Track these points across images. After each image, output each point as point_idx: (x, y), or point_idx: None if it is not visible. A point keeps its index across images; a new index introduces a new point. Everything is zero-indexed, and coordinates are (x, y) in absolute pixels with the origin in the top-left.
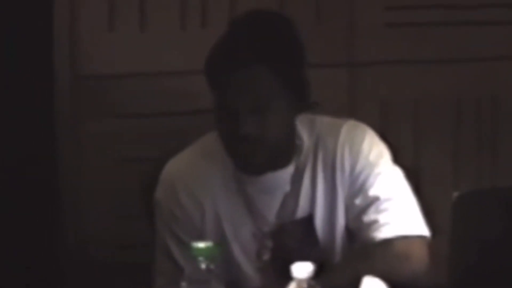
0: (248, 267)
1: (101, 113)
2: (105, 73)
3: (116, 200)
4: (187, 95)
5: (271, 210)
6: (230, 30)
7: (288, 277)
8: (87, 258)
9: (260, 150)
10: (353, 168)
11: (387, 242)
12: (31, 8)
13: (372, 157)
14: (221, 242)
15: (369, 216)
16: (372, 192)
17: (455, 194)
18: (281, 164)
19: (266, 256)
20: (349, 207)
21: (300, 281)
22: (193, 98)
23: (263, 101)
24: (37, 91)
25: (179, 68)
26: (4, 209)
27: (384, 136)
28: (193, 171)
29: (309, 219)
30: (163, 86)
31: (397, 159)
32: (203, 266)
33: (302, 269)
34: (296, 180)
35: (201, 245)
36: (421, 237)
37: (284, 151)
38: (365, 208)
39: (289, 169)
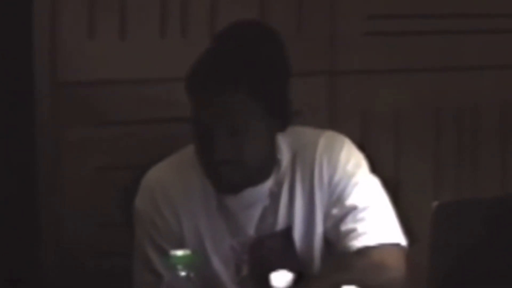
0: (227, 280)
1: (81, 120)
2: (85, 81)
3: (95, 208)
4: (167, 103)
5: (251, 223)
6: (211, 48)
7: None
8: (67, 266)
9: (236, 173)
10: (331, 178)
11: (364, 251)
12: (11, 15)
13: (349, 167)
14: (199, 251)
15: (346, 225)
16: (350, 201)
17: (435, 203)
18: (261, 179)
19: (245, 271)
20: (326, 217)
21: None
22: (173, 106)
23: (240, 125)
24: (17, 99)
25: (159, 76)
26: None
27: (363, 146)
28: (173, 183)
29: (288, 231)
30: (143, 94)
31: (377, 168)
32: (182, 274)
33: (280, 278)
34: (275, 193)
35: (179, 253)
36: (398, 246)
37: (263, 167)
38: (342, 218)
39: (268, 183)
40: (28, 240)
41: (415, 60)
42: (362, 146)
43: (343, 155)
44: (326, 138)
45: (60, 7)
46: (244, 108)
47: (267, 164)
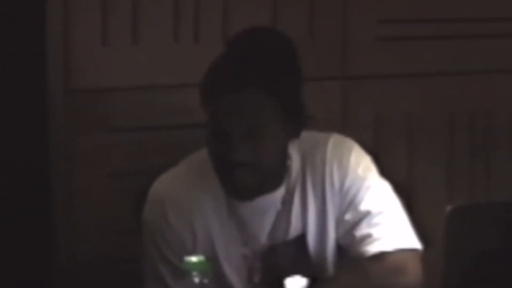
0: (239, 287)
1: (94, 127)
2: (98, 87)
3: (109, 214)
4: (180, 109)
5: (263, 231)
6: (226, 52)
7: None
8: (81, 272)
9: (252, 176)
10: (342, 183)
11: (380, 256)
12: (24, 22)
13: (360, 171)
14: (212, 258)
15: (361, 231)
16: (363, 206)
17: (449, 208)
18: (273, 186)
19: (257, 278)
20: (339, 222)
21: None
22: (186, 112)
23: (257, 126)
24: (30, 105)
25: (172, 82)
26: None
27: (376, 152)
28: (183, 190)
29: (302, 238)
30: (156, 100)
31: (390, 173)
32: (196, 280)
33: (295, 284)
34: (287, 200)
35: (194, 259)
36: (413, 250)
37: (276, 174)
38: (357, 223)
39: (281, 191)
40: (42, 246)
41: (428, 65)
42: (376, 155)
43: (352, 159)
44: (334, 142)
45: (73, 13)
46: (260, 109)
47: (279, 171)
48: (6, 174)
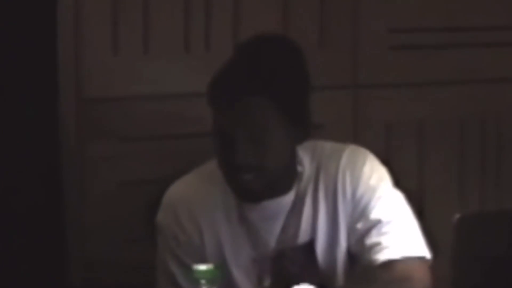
0: None
1: (105, 136)
2: (109, 96)
3: (120, 223)
4: (191, 118)
5: (272, 235)
6: (233, 58)
7: None
8: (93, 281)
9: (256, 179)
10: (354, 192)
11: (389, 264)
12: (36, 31)
13: (373, 181)
14: (222, 265)
15: (371, 239)
16: (374, 215)
17: (457, 216)
18: (282, 190)
19: (267, 282)
20: (351, 231)
21: None
22: (197, 121)
23: (260, 131)
24: (42, 114)
25: (183, 91)
26: (9, 231)
27: (387, 160)
28: (195, 196)
29: (310, 244)
30: (166, 109)
31: (402, 180)
32: None
33: None
34: (297, 206)
35: (202, 267)
36: (422, 259)
37: (284, 178)
38: (367, 231)
39: (290, 195)
40: (54, 255)
41: (438, 73)
42: (386, 158)
43: (366, 169)
44: (349, 152)
45: (84, 23)
46: (264, 114)
47: (288, 176)
48: (17, 182)
